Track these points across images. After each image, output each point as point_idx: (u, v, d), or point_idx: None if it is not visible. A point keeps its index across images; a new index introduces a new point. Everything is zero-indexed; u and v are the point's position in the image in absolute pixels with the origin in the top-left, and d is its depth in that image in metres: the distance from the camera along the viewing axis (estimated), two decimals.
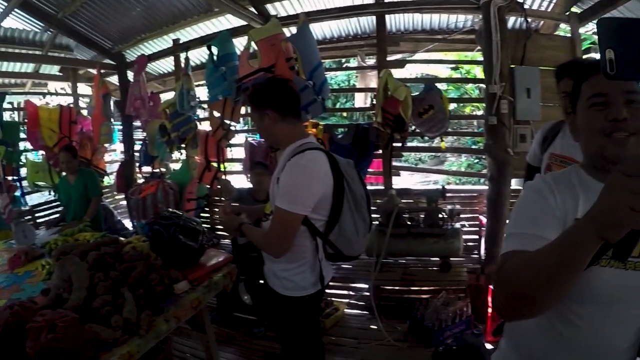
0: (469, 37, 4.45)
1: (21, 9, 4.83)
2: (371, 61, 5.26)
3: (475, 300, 3.44)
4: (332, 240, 1.87)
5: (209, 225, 5.20)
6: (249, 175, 3.98)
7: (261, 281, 3.47)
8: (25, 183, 5.73)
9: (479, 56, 4.08)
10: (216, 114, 4.36)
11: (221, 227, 2.25)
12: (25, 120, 5.78)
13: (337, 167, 1.86)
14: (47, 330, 1.58)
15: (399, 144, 4.05)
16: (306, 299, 1.93)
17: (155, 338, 1.93)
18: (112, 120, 5.57)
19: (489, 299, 3.24)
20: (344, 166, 1.91)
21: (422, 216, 3.73)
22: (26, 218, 5.18)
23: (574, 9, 3.84)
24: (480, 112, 9.79)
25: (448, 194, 3.84)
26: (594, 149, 1.00)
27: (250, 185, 3.99)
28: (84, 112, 6.18)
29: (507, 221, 1.11)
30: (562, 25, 4.29)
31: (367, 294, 3.80)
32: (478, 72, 9.06)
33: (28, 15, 5.43)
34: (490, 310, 3.20)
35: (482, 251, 3.80)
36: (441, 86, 4.17)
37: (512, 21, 3.96)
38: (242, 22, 4.45)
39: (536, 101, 3.56)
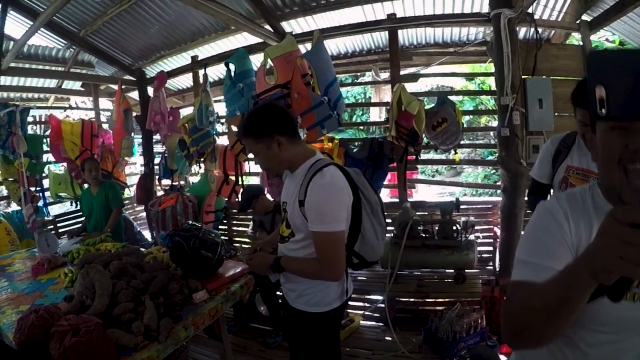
0: (480, 49, 4.48)
1: (45, 27, 4.99)
2: (385, 75, 5.31)
3: (489, 312, 3.43)
4: (357, 249, 1.89)
5: (226, 237, 5.27)
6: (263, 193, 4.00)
7: (278, 292, 3.55)
8: (47, 194, 5.86)
9: (491, 67, 4.11)
10: (234, 128, 4.43)
11: (252, 267, 2.20)
12: (48, 134, 5.94)
13: (350, 178, 1.87)
14: (72, 334, 1.64)
15: (414, 157, 4.08)
16: (330, 314, 1.93)
17: (174, 344, 1.99)
18: (132, 134, 5.69)
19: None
20: (355, 176, 1.92)
21: (436, 228, 3.74)
22: (49, 228, 5.33)
23: (585, 17, 3.83)
24: (495, 123, 9.73)
25: (462, 206, 3.84)
26: (610, 183, 0.91)
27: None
28: (105, 126, 6.33)
29: (520, 241, 1.07)
30: (574, 34, 4.27)
31: (382, 305, 3.82)
32: (492, 82, 9.06)
33: (52, 33, 5.64)
34: None
35: (497, 263, 3.79)
36: (456, 98, 4.19)
37: (523, 32, 3.96)
38: (258, 40, 4.55)
39: (549, 111, 3.54)
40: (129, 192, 6.80)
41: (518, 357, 1.21)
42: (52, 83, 6.77)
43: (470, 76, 8.21)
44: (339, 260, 1.79)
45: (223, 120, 5.34)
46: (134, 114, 5.78)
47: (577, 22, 3.86)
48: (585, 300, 0.77)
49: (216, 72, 5.84)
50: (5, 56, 4.99)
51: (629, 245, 0.63)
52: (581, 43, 3.90)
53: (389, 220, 3.81)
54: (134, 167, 7.41)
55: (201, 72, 4.91)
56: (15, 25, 5.55)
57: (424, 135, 3.84)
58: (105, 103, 7.31)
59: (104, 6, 4.89)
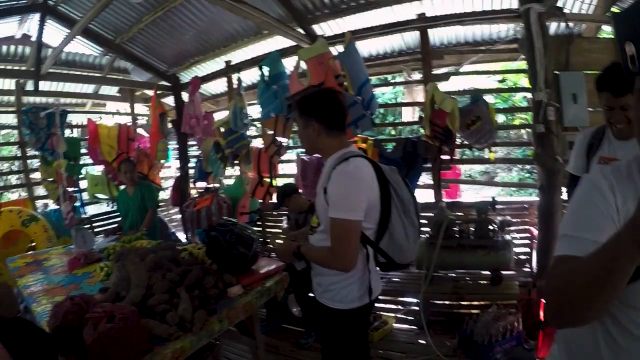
0: (512, 47, 4.42)
1: (83, 35, 5.21)
2: (417, 76, 5.29)
3: (526, 315, 3.33)
4: (383, 247, 1.86)
5: (260, 238, 5.27)
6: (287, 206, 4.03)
7: (310, 294, 3.55)
8: (85, 194, 6.04)
9: (524, 65, 4.03)
10: (268, 131, 4.48)
11: (278, 254, 2.24)
12: (86, 137, 6.12)
13: (381, 173, 1.86)
14: (106, 320, 1.67)
15: (448, 157, 4.04)
16: (354, 311, 1.90)
17: (207, 336, 2.02)
18: (167, 137, 5.82)
19: (541, 313, 3.15)
20: (388, 172, 1.90)
21: (472, 228, 3.67)
22: (85, 226, 5.45)
23: (614, 9, 3.69)
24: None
25: (498, 206, 3.77)
26: None
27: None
28: (140, 130, 6.48)
29: (564, 216, 1.02)
30: (604, 27, 4.19)
31: (416, 308, 3.76)
32: (524, 82, 8.90)
33: (89, 41, 5.86)
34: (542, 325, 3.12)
35: (534, 264, 3.70)
36: (488, 98, 4.14)
37: (553, 27, 3.89)
38: (291, 43, 4.61)
39: (583, 106, 3.43)
40: (164, 194, 6.94)
41: (562, 345, 1.13)
42: (89, 89, 7.03)
43: (500, 74, 8.07)
44: (350, 249, 1.75)
45: (257, 123, 5.39)
46: (169, 118, 5.90)
47: (608, 14, 3.75)
48: (630, 273, 0.73)
49: (250, 76, 5.91)
50: (44, 62, 5.18)
51: None
52: (612, 36, 3.77)
53: (424, 221, 3.81)
54: (168, 170, 7.56)
55: (235, 76, 5.00)
56: (54, 33, 5.77)
57: (458, 133, 3.80)
58: (140, 108, 7.50)
59: (139, 14, 5.06)
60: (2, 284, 1.26)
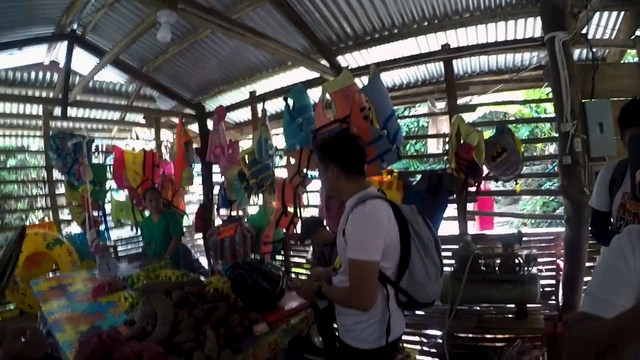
0: (536, 74, 4.40)
1: (110, 64, 5.34)
2: (441, 105, 5.28)
3: (552, 349, 3.22)
4: (404, 287, 1.86)
5: (284, 268, 5.27)
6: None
7: (334, 325, 3.52)
8: (109, 219, 6.14)
9: (547, 90, 3.98)
10: (293, 161, 4.49)
11: (300, 294, 2.29)
12: (111, 163, 6.24)
13: (399, 213, 1.88)
14: None
15: (474, 189, 3.99)
16: (376, 352, 1.91)
17: None
18: (192, 165, 5.89)
19: None
20: (407, 212, 1.92)
21: (498, 262, 3.63)
22: (110, 252, 5.51)
23: (639, 33, 3.68)
24: (552, 147, 9.46)
25: (524, 238, 3.71)
26: None
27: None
28: (166, 157, 6.60)
29: (593, 274, 1.12)
30: (629, 51, 4.17)
31: (440, 341, 3.71)
32: (548, 106, 8.83)
33: (116, 69, 6.02)
34: None
35: (560, 297, 3.62)
36: (511, 124, 4.11)
37: (577, 53, 3.86)
38: (315, 74, 4.67)
39: (610, 135, 3.35)
40: (188, 221, 7.00)
41: None
42: (115, 115, 7.19)
43: (526, 103, 8.05)
44: (367, 289, 1.78)
45: (281, 153, 5.43)
46: (195, 146, 5.99)
47: (632, 38, 3.71)
48: (632, 349, 0.80)
49: (274, 106, 6.00)
50: (72, 90, 5.34)
51: None
52: (637, 59, 3.74)
53: (448, 254, 3.77)
54: (192, 197, 7.63)
55: (260, 106, 5.07)
56: (81, 59, 5.93)
57: (484, 165, 3.77)
58: (165, 134, 7.64)
59: (165, 45, 5.17)
60: (34, 329, 1.30)
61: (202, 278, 3.10)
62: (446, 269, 3.34)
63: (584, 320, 1.00)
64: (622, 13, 3.75)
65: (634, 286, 0.97)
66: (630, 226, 1.18)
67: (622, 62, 4.14)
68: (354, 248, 1.77)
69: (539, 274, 3.58)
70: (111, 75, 6.55)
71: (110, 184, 6.24)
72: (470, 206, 4.42)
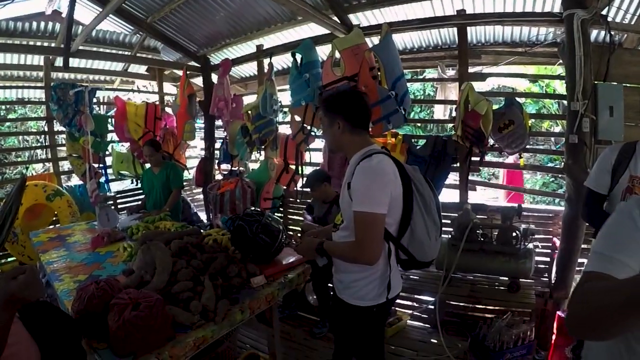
0: (550, 51, 4.30)
1: (114, 13, 5.21)
2: (451, 72, 5.19)
3: (540, 325, 3.31)
4: (405, 244, 1.87)
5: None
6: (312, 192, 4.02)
7: (329, 284, 3.56)
8: (110, 171, 6.13)
9: (559, 69, 3.90)
10: (297, 118, 4.45)
11: (299, 251, 2.29)
12: (113, 114, 6.18)
13: (403, 170, 1.88)
14: (132, 308, 1.70)
15: (477, 158, 3.97)
16: (374, 309, 1.93)
17: (229, 326, 2.04)
18: (195, 118, 5.83)
19: (555, 325, 3.12)
20: (410, 171, 1.92)
21: (495, 233, 3.64)
22: (110, 203, 5.55)
23: None
24: (558, 128, 9.38)
25: (524, 213, 3.72)
26: None
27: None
28: (168, 110, 6.52)
29: (597, 236, 1.09)
30: None
31: (432, 307, 3.77)
32: (557, 85, 8.70)
33: (120, 19, 5.87)
34: (554, 337, 3.08)
35: (553, 275, 3.65)
36: (519, 99, 4.05)
37: (594, 35, 3.76)
38: (325, 31, 4.53)
39: (619, 120, 3.34)
40: (188, 175, 6.98)
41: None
42: (118, 66, 7.07)
43: (538, 78, 7.93)
44: (375, 242, 1.78)
45: (286, 109, 5.36)
46: (198, 99, 5.92)
47: None
48: None
49: (281, 61, 5.89)
50: (75, 39, 5.22)
51: None
52: None
53: (447, 221, 3.78)
54: (193, 151, 7.60)
55: (266, 61, 4.97)
56: (84, 9, 5.83)
57: (489, 136, 3.72)
58: (169, 87, 7.54)
59: None
60: (31, 267, 1.26)
61: (202, 231, 3.10)
62: (444, 235, 3.38)
63: (593, 279, 0.98)
64: None
65: None
66: (637, 196, 1.16)
67: (639, 49, 4.03)
68: (360, 201, 1.77)
69: (535, 249, 3.60)
70: (115, 26, 6.41)
71: (112, 135, 6.19)
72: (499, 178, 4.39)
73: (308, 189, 4.06)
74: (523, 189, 7.14)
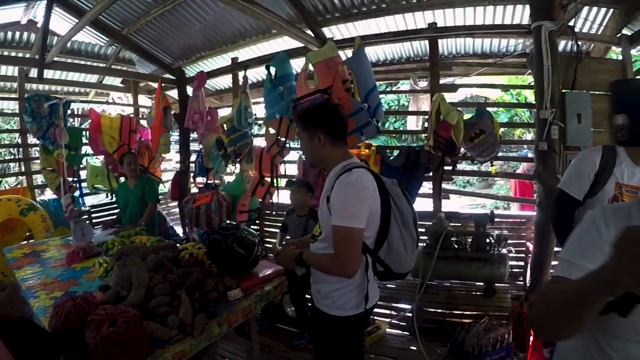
0: (519, 61, 4.44)
1: (90, 25, 5.13)
2: (423, 84, 5.29)
3: (517, 327, 3.36)
4: (382, 257, 1.89)
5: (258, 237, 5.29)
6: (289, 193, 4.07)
7: (307, 295, 3.56)
8: (84, 185, 6.01)
9: (528, 79, 4.01)
10: (272, 131, 4.46)
11: (278, 261, 2.30)
12: (87, 127, 6.09)
13: (382, 184, 1.90)
14: (109, 324, 1.68)
15: (450, 167, 4.05)
16: (352, 319, 1.94)
17: (207, 340, 2.03)
18: (170, 131, 5.79)
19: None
20: (389, 184, 1.94)
21: (469, 240, 3.70)
22: (84, 218, 5.46)
23: (625, 31, 3.75)
24: (530, 135, 9.60)
25: (496, 219, 3.79)
26: None
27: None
28: (143, 122, 6.45)
29: (565, 244, 1.15)
30: (614, 48, 4.18)
31: (410, 314, 3.80)
32: (529, 94, 8.92)
33: (95, 31, 5.85)
34: (532, 339, 3.15)
35: (528, 278, 3.72)
36: (491, 109, 4.16)
37: (562, 45, 3.89)
38: (299, 44, 4.59)
39: (587, 126, 3.45)
40: (164, 188, 6.92)
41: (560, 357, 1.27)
42: (93, 78, 6.98)
43: (508, 88, 8.13)
44: (352, 256, 1.79)
45: (261, 122, 5.36)
46: (173, 111, 5.89)
47: (618, 35, 3.78)
48: (597, 308, 0.82)
49: (255, 74, 5.94)
50: (50, 50, 5.16)
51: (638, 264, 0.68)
52: (621, 57, 3.82)
53: (422, 230, 3.84)
54: (168, 164, 7.53)
55: (241, 73, 4.97)
56: (60, 20, 5.78)
57: (461, 146, 3.81)
58: (144, 100, 7.48)
59: (148, 6, 5.05)
60: (11, 284, 1.25)
61: (178, 245, 3.08)
62: (419, 243, 3.42)
63: (554, 282, 1.06)
64: (611, 10, 3.79)
65: (605, 255, 0.96)
66: (604, 204, 1.21)
67: (606, 57, 4.18)
68: (340, 215, 1.78)
69: (509, 254, 3.66)
70: (90, 37, 6.35)
71: (86, 149, 6.09)
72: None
73: (289, 189, 4.07)
74: (495, 196, 7.28)
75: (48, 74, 5.63)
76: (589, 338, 1.06)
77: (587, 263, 0.97)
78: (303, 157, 2.03)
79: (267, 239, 5.35)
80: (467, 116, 3.94)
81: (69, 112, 5.50)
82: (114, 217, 4.80)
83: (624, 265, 0.70)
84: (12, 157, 9.34)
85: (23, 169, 5.76)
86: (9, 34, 5.70)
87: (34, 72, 5.54)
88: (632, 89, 0.88)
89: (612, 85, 0.97)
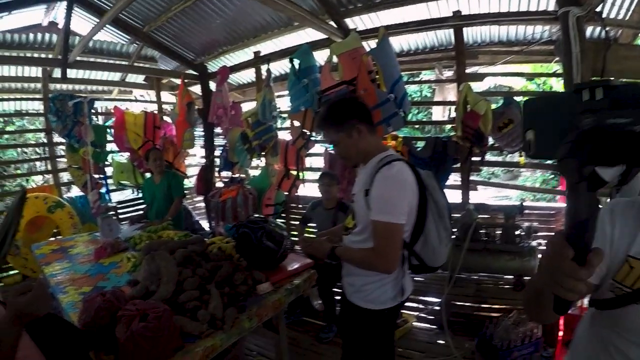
0: (546, 49, 4.31)
1: (110, 23, 5.23)
2: (448, 73, 5.19)
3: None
4: (417, 251, 1.88)
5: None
6: (318, 185, 4.06)
7: (334, 289, 3.55)
8: (110, 181, 6.11)
9: (555, 66, 3.88)
10: (297, 124, 4.45)
11: (310, 255, 2.28)
12: (111, 124, 6.18)
13: (419, 177, 1.88)
14: (139, 319, 1.69)
15: (478, 158, 3.97)
16: (385, 312, 1.93)
17: (237, 334, 2.03)
18: (194, 127, 5.83)
19: (561, 322, 3.12)
20: (425, 177, 1.92)
21: (498, 232, 3.63)
22: (111, 213, 5.51)
23: None
24: None
25: (525, 211, 3.72)
26: None
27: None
28: (167, 119, 6.51)
29: None
30: None
31: (438, 308, 3.77)
32: (554, 82, 8.70)
33: (117, 29, 5.91)
34: (561, 334, 3.08)
35: None
36: (518, 98, 4.06)
37: (589, 31, 3.79)
38: (322, 36, 4.55)
39: None
40: (189, 183, 6.98)
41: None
42: (116, 76, 7.06)
43: (534, 76, 7.95)
44: (394, 252, 1.79)
45: (285, 115, 5.33)
46: (196, 107, 5.92)
47: None
48: (548, 298, 0.85)
49: (279, 67, 5.91)
50: (72, 50, 5.23)
51: (563, 274, 0.75)
52: None
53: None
54: (193, 159, 7.59)
55: (264, 67, 4.97)
56: (81, 20, 5.85)
57: (489, 136, 3.73)
58: (167, 96, 7.55)
59: (168, 3, 5.05)
60: (40, 281, 1.27)
61: (206, 239, 3.09)
62: None
63: None
64: None
65: (608, 253, 1.02)
66: (615, 200, 1.20)
67: (634, 44, 4.04)
68: (381, 210, 1.76)
69: (539, 247, 3.58)
70: (111, 36, 6.43)
71: (111, 146, 6.18)
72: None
73: (319, 182, 4.07)
74: (523, 187, 7.14)
75: (71, 73, 5.72)
76: (596, 333, 1.10)
77: None
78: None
79: (294, 232, 5.34)
80: (493, 106, 3.86)
81: (93, 110, 5.58)
82: (141, 212, 4.86)
83: (545, 271, 0.79)
84: (38, 156, 9.58)
85: (49, 167, 5.88)
86: (31, 35, 5.80)
87: (57, 73, 5.63)
88: (538, 106, 0.96)
89: (523, 104, 1.05)
